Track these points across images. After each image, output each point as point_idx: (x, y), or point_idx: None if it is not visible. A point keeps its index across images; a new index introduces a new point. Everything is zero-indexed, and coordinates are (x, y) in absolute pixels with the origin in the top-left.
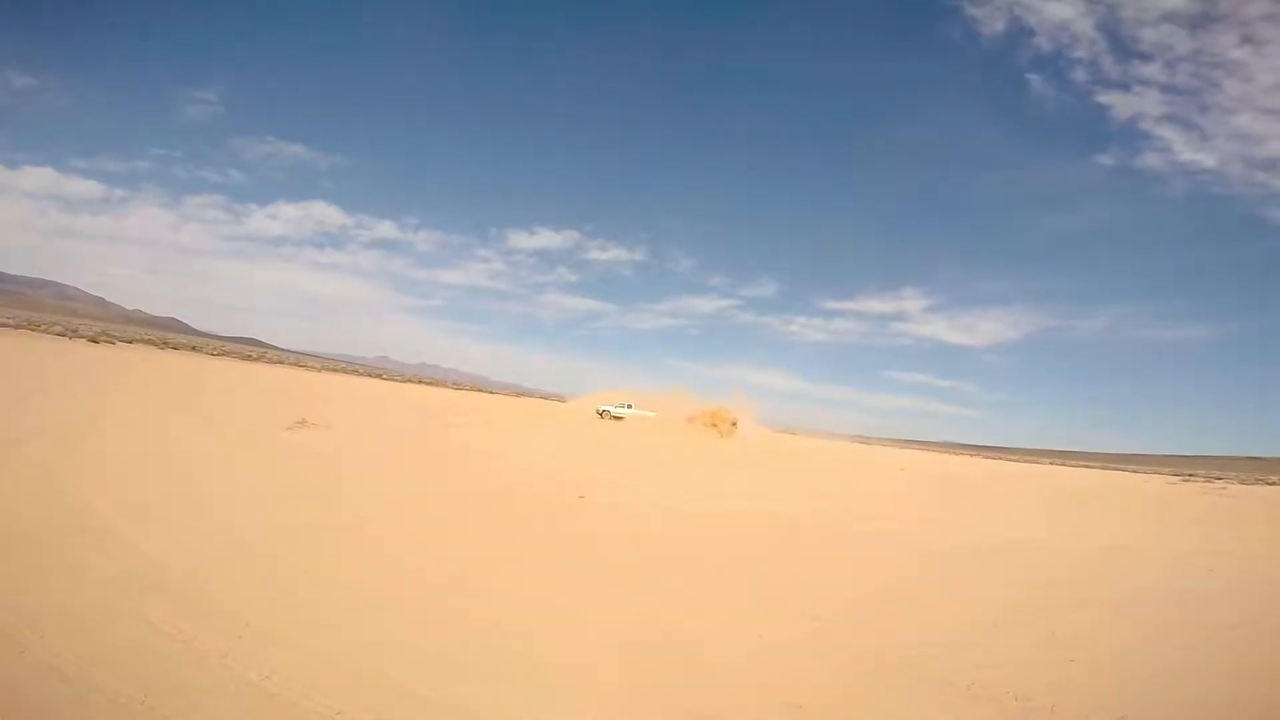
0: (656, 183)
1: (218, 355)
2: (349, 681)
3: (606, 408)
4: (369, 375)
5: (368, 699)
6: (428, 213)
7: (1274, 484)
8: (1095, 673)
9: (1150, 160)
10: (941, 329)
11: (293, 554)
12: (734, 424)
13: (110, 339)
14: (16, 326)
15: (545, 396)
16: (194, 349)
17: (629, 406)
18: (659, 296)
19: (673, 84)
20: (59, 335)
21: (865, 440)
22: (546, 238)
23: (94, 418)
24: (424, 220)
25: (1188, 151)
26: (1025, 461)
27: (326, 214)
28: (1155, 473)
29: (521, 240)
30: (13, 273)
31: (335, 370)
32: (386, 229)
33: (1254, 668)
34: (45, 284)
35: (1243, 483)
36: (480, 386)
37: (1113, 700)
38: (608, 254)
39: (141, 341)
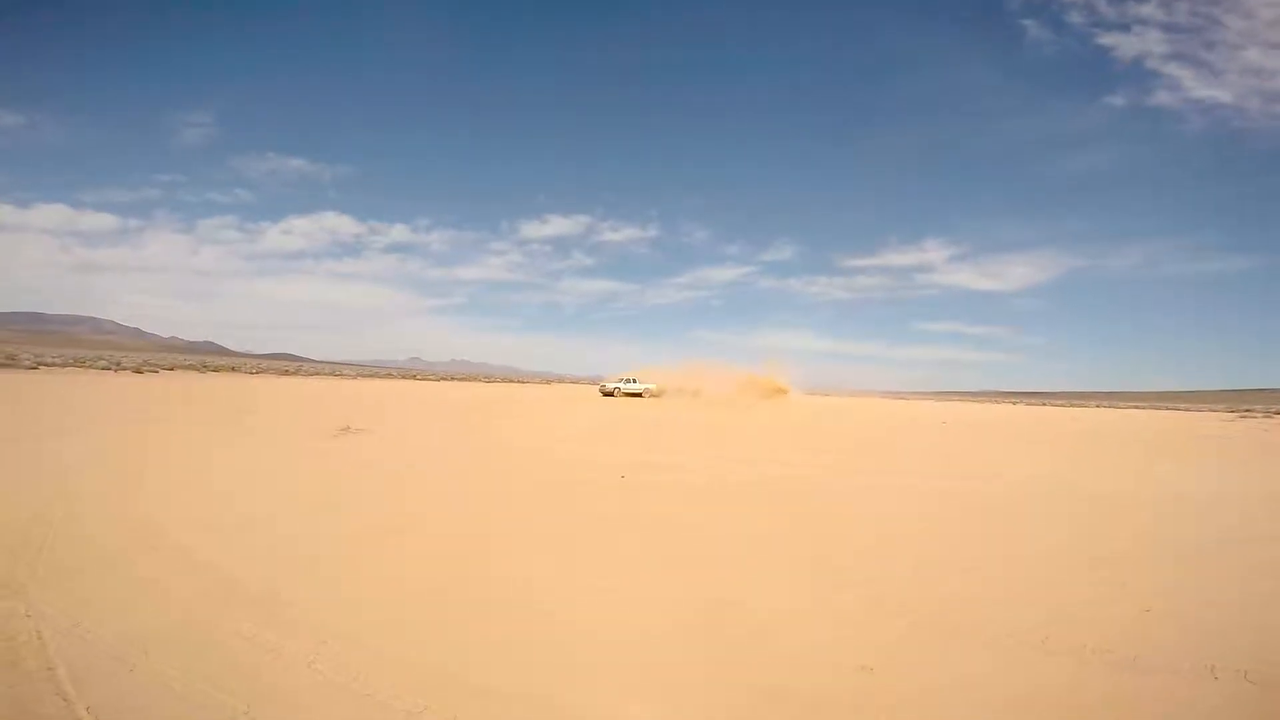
0: (663, 159)
1: (256, 373)
2: (428, 679)
3: (616, 385)
4: (402, 377)
5: (448, 696)
6: (438, 212)
7: None
8: (1176, 623)
9: (1162, 98)
10: (968, 277)
11: (357, 558)
12: (784, 390)
13: (153, 368)
14: (64, 365)
15: (575, 381)
16: (233, 369)
17: (634, 381)
18: (676, 270)
19: (671, 57)
20: (105, 369)
21: (901, 395)
22: (558, 225)
23: (150, 443)
24: (435, 220)
25: (1200, 88)
26: (1071, 405)
27: (339, 224)
28: (1209, 410)
29: (534, 230)
30: (51, 312)
31: (369, 376)
32: (399, 233)
33: None
34: (81, 320)
35: None
36: (511, 378)
37: (1198, 651)
38: (620, 234)
39: (182, 368)
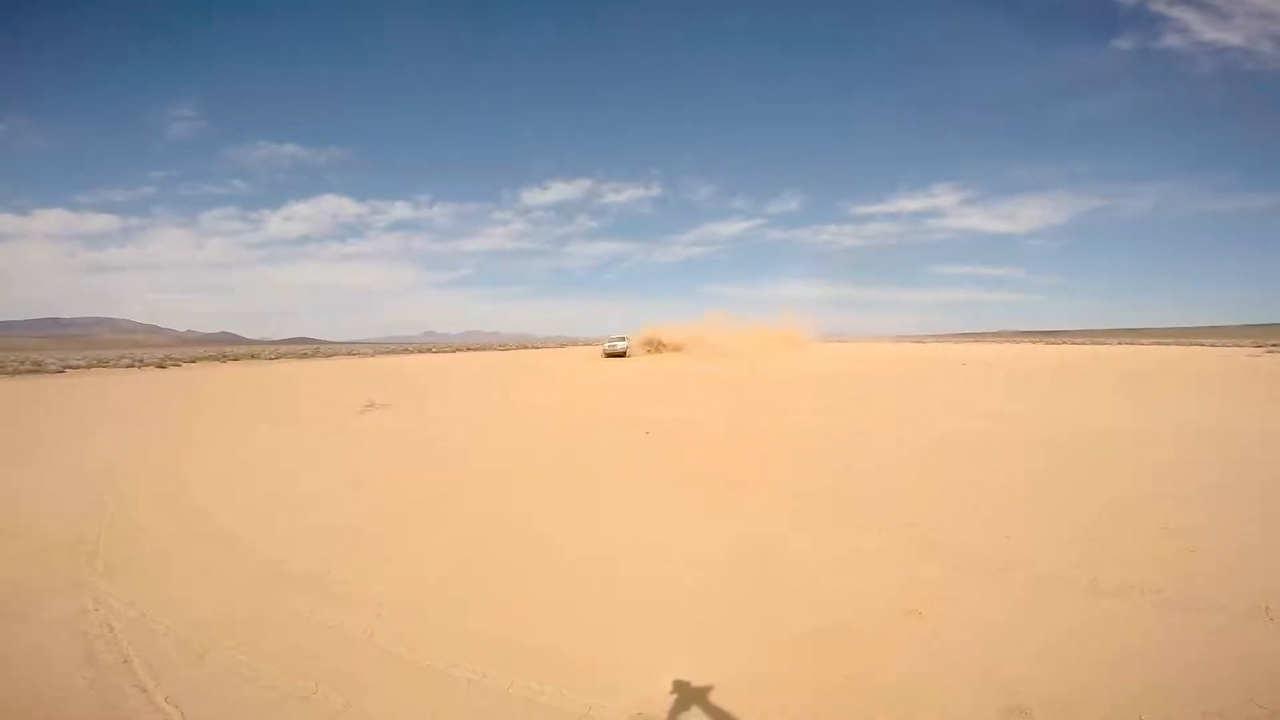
0: (660, 117)
1: (276, 359)
2: (481, 645)
3: (614, 343)
4: (418, 351)
5: (502, 660)
6: (438, 187)
7: None
8: (1224, 563)
9: (1171, 41)
10: (980, 220)
11: (400, 530)
12: (801, 340)
13: (175, 362)
14: (89, 366)
15: (589, 343)
16: (252, 357)
17: (625, 340)
18: (682, 228)
19: (664, 10)
20: (128, 367)
21: (919, 339)
22: (560, 190)
23: (185, 434)
24: (436, 194)
25: (1209, 31)
26: (1092, 343)
27: (339, 206)
28: (1234, 345)
29: (535, 197)
30: (68, 316)
31: (386, 353)
32: (401, 210)
33: None
34: (99, 321)
35: None
36: (525, 344)
37: (1249, 590)
38: (623, 195)
39: (202, 359)
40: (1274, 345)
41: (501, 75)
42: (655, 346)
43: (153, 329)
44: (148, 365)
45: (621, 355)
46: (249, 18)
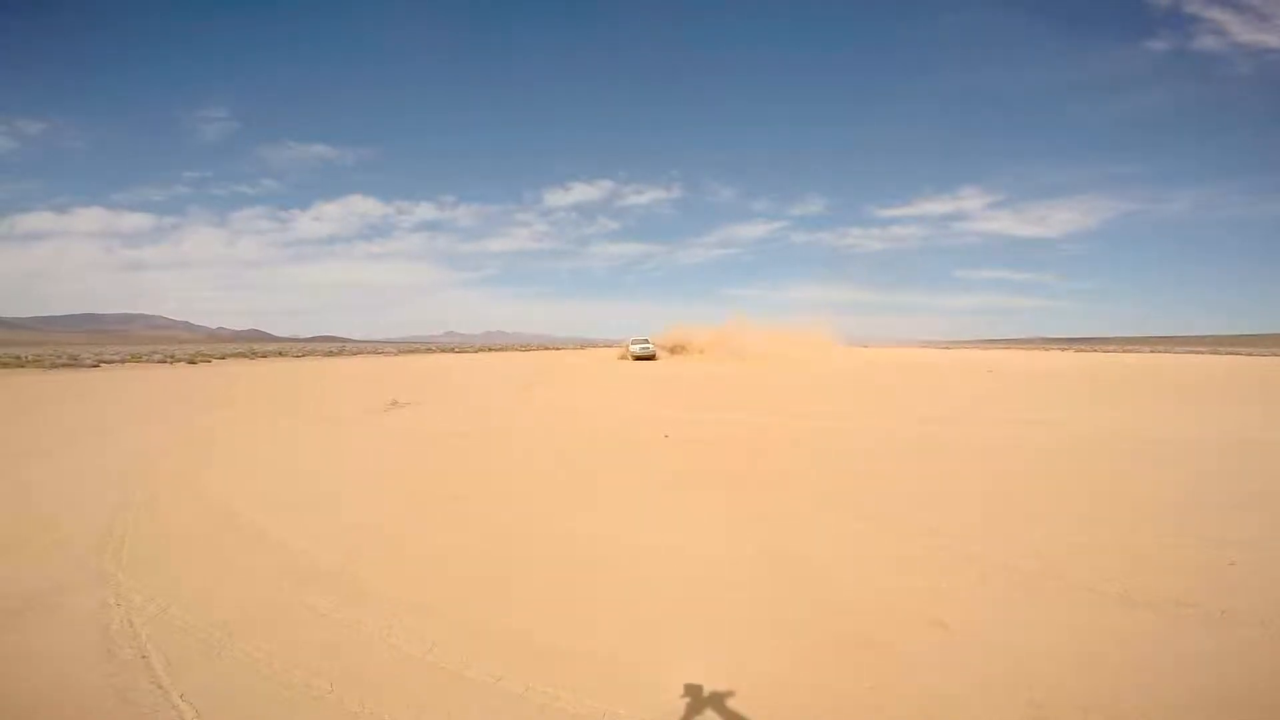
0: (682, 117)
1: (302, 356)
2: (500, 645)
3: (636, 347)
4: (441, 351)
5: (521, 661)
6: (462, 188)
7: None
8: (1264, 576)
9: (1206, 42)
10: (1009, 223)
11: (421, 528)
12: (827, 345)
13: (205, 358)
14: (123, 361)
15: (610, 344)
16: (280, 354)
17: (648, 342)
18: (704, 230)
19: (686, 13)
20: (161, 362)
21: (945, 344)
22: (581, 191)
23: (215, 428)
24: (461, 196)
25: (1247, 33)
26: (1124, 351)
27: (366, 206)
28: (1273, 354)
29: (558, 198)
30: (105, 312)
31: (410, 352)
32: (426, 210)
33: None
34: (134, 318)
35: None
36: (547, 344)
37: None
38: (645, 197)
39: (232, 356)
40: None
41: (524, 76)
42: (678, 349)
43: (186, 325)
44: (179, 361)
45: (651, 358)
46: (278, 19)
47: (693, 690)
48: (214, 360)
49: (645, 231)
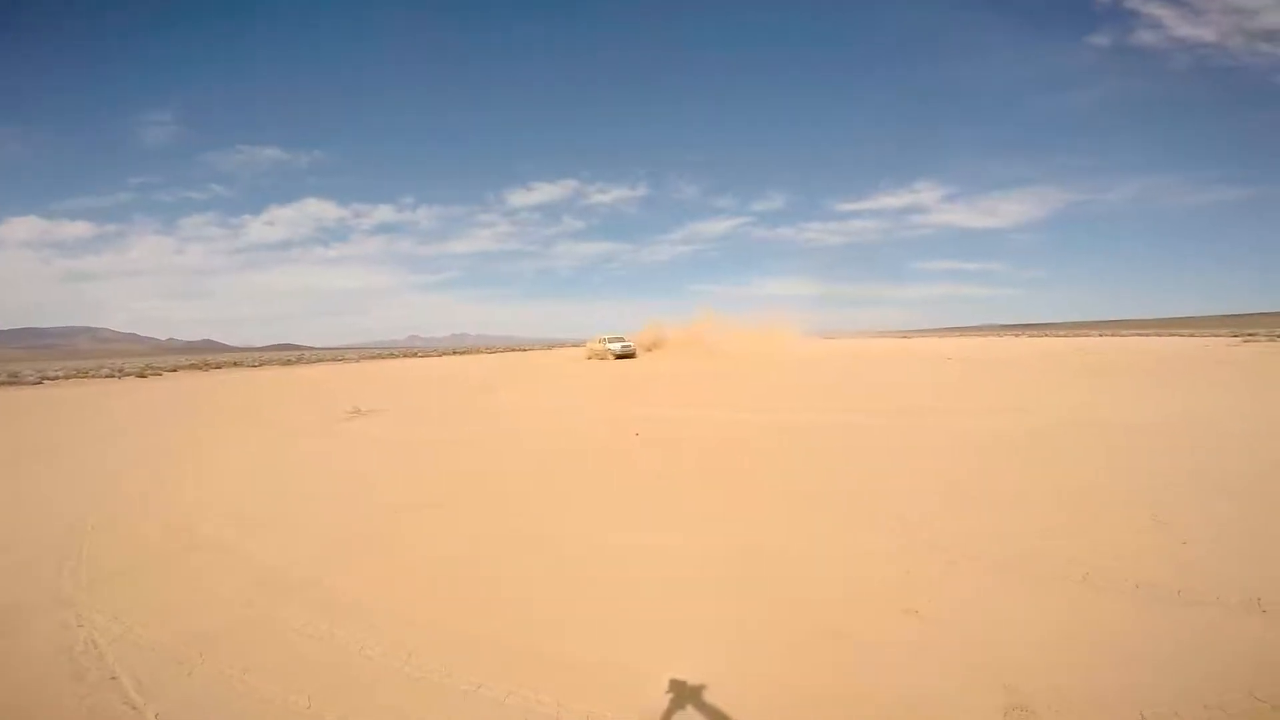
0: (645, 116)
1: (259, 366)
2: (480, 653)
3: (616, 345)
4: (404, 356)
5: (501, 668)
6: (422, 190)
7: None
8: (1215, 555)
9: (1145, 38)
10: (962, 215)
11: (392, 537)
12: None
13: (156, 371)
14: (68, 376)
15: (578, 344)
16: (235, 364)
17: (628, 342)
18: (669, 227)
19: (646, 12)
20: (108, 377)
21: (904, 334)
22: (545, 191)
23: (173, 443)
24: (420, 197)
25: (1183, 27)
26: (1073, 335)
27: (322, 210)
28: (1213, 335)
29: (520, 198)
30: (46, 326)
31: (371, 358)
32: (384, 213)
33: None
34: (78, 331)
35: None
36: (513, 346)
37: (1241, 580)
38: (610, 195)
39: (184, 368)
40: (1250, 334)
41: (484, 76)
42: (655, 346)
43: (133, 337)
44: (128, 375)
45: (632, 356)
46: (227, 21)
47: (673, 688)
48: (165, 373)
49: (611, 230)
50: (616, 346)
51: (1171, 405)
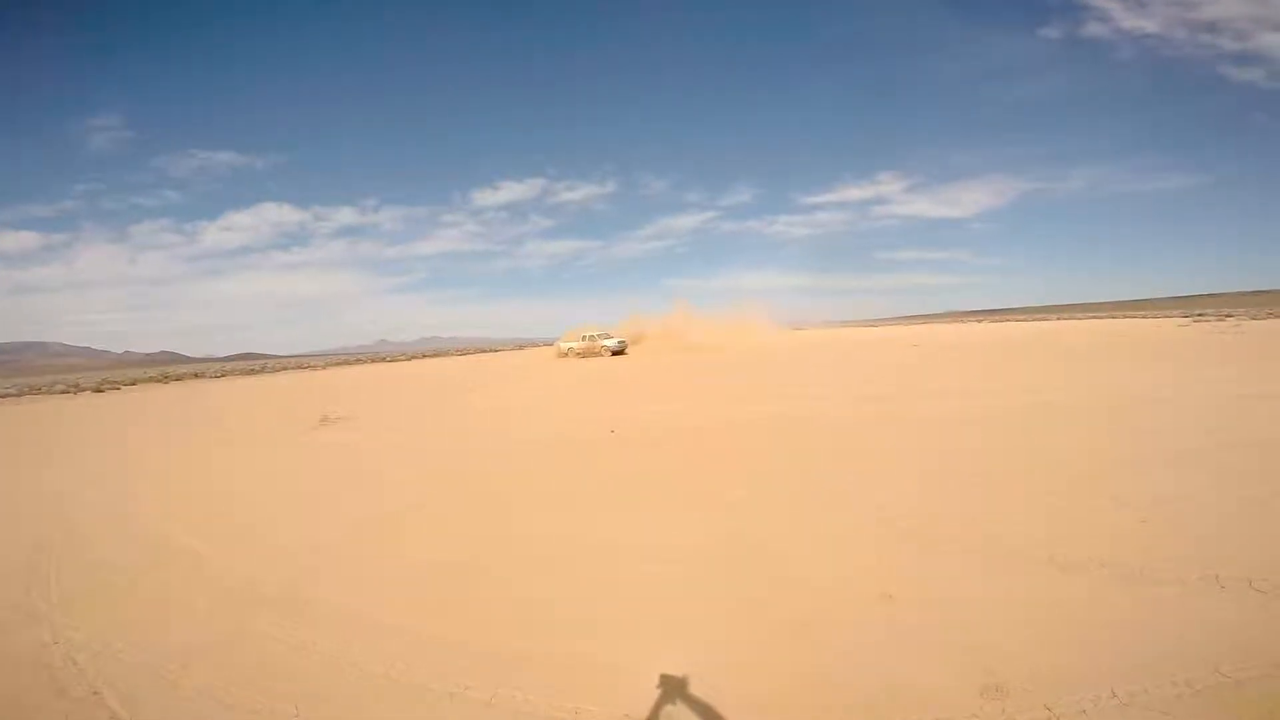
0: (612, 113)
1: (221, 376)
2: (463, 656)
3: (610, 342)
4: (372, 361)
5: (485, 670)
6: (385, 191)
7: None
8: (1173, 531)
9: (1094, 29)
10: (925, 206)
11: (368, 545)
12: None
13: (114, 385)
14: (20, 394)
15: (550, 343)
16: (196, 376)
17: (619, 338)
18: (638, 223)
19: (607, 8)
20: (63, 393)
21: (872, 323)
22: (512, 190)
23: (135, 459)
24: (383, 199)
25: (1129, 19)
26: (1034, 320)
27: (281, 214)
28: (1165, 316)
29: (487, 197)
30: None
31: (338, 364)
32: (347, 215)
33: None
34: (26, 347)
35: (1253, 318)
36: (484, 347)
37: (1199, 557)
38: (578, 193)
39: (143, 381)
40: (1199, 315)
41: (446, 74)
42: (638, 339)
43: (88, 351)
44: (84, 390)
45: (623, 352)
46: (175, 21)
47: (658, 682)
48: (123, 387)
49: (580, 228)
50: (612, 343)
51: (1123, 384)
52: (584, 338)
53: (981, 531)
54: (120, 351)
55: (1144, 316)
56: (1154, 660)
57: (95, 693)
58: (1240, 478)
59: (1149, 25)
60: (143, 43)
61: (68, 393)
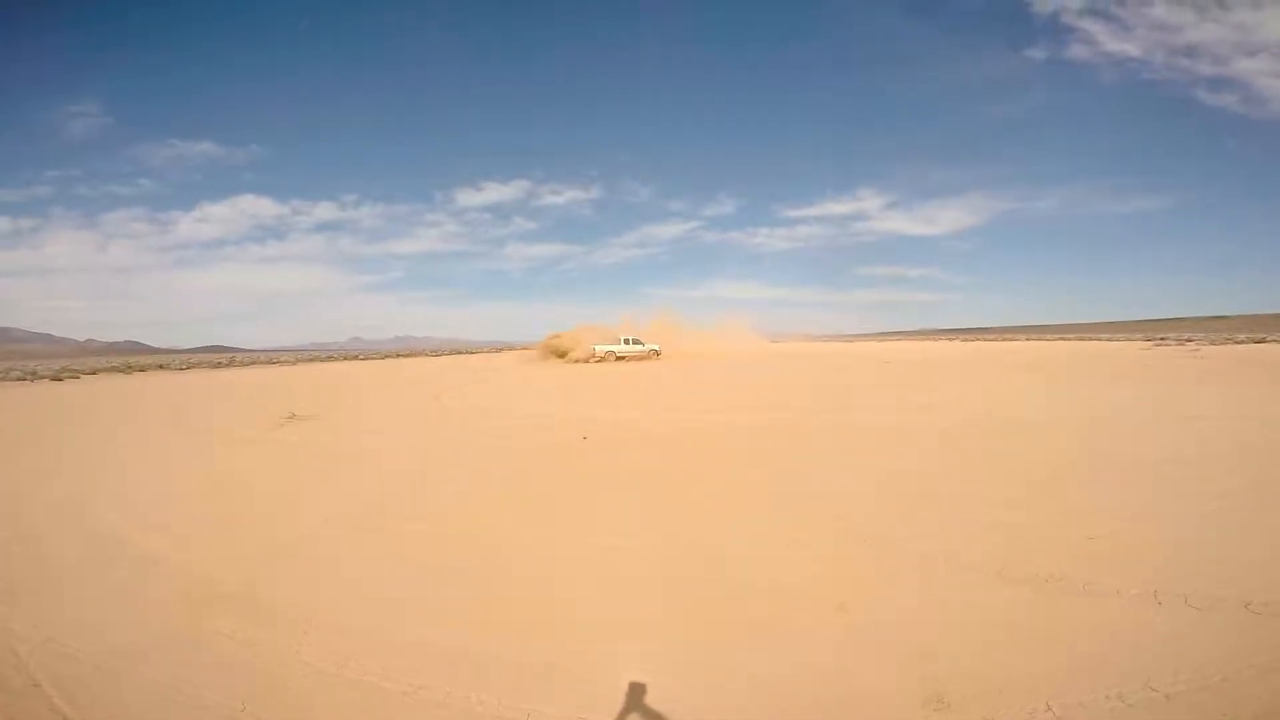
0: (599, 117)
1: (186, 369)
2: (420, 658)
3: (608, 348)
4: (344, 359)
5: (442, 672)
6: (365, 186)
7: (1241, 343)
8: (1120, 546)
9: (1078, 51)
10: (902, 222)
11: (328, 545)
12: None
13: (74, 373)
14: None
15: (527, 346)
16: (161, 367)
17: (627, 342)
18: (621, 230)
19: (599, 13)
20: (20, 380)
21: (849, 338)
22: (496, 191)
23: (95, 450)
24: (364, 195)
25: (1112, 42)
26: (1003, 339)
27: (258, 207)
28: (1128, 339)
29: (470, 198)
30: None
31: (309, 361)
32: (325, 210)
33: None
34: None
35: (1212, 343)
36: (460, 349)
37: (1142, 573)
38: (562, 197)
39: (105, 370)
40: (1162, 339)
41: (434, 73)
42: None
43: (47, 338)
44: (42, 378)
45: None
46: (163, 10)
47: (614, 684)
48: (84, 376)
49: (563, 232)
50: (655, 346)
51: (1082, 402)
52: (623, 340)
53: (937, 542)
54: (83, 339)
55: (1109, 339)
56: (1090, 672)
57: (35, 684)
58: (1187, 495)
59: (1131, 49)
60: (126, 30)
61: (24, 380)
